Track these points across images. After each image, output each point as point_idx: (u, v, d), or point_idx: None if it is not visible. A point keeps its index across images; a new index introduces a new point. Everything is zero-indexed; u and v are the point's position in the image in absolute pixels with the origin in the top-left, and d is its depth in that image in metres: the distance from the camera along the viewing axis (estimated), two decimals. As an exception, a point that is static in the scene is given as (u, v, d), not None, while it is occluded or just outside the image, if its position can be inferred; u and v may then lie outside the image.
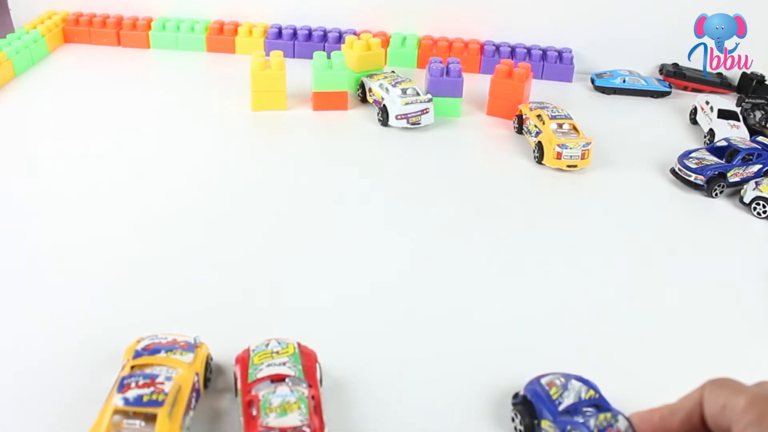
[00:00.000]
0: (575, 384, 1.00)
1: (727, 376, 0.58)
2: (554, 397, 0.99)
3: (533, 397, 1.01)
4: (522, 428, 0.99)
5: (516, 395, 1.03)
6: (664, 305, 1.29)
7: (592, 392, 0.99)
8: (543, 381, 1.01)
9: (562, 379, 1.01)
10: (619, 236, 1.49)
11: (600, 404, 0.97)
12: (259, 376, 0.95)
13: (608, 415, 0.89)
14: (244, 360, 1.00)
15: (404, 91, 1.88)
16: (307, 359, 1.00)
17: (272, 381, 0.94)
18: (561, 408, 0.96)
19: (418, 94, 1.89)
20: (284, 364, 0.97)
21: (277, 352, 1.00)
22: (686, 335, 1.22)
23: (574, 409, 0.96)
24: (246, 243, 1.38)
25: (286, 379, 0.94)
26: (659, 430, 0.59)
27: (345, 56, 1.96)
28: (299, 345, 1.02)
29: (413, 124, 1.87)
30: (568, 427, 0.93)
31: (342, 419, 0.98)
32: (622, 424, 0.87)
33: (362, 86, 2.01)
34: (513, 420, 1.02)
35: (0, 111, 1.88)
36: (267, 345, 1.02)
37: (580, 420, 0.92)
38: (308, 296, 1.24)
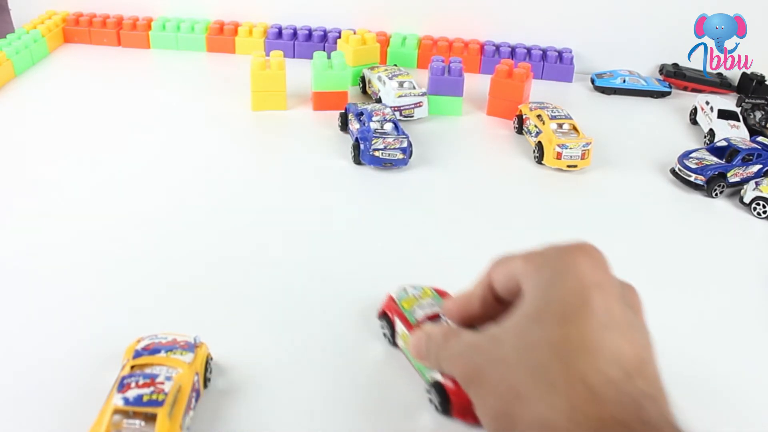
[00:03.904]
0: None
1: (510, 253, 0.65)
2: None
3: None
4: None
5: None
6: (662, 305, 1.29)
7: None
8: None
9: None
10: (618, 236, 1.49)
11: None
12: (420, 317, 1.03)
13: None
14: (395, 309, 1.07)
15: (401, 84, 1.89)
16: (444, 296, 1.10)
17: (430, 320, 1.03)
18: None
19: (414, 87, 1.90)
20: (432, 305, 1.06)
21: (420, 296, 1.09)
22: (685, 335, 1.22)
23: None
24: (245, 243, 1.38)
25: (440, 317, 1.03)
26: (464, 316, 0.70)
27: (340, 50, 1.98)
28: (435, 289, 1.12)
29: (406, 116, 1.88)
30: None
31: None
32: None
33: (363, 78, 2.05)
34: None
35: (0, 111, 1.88)
36: (406, 291, 1.10)
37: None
38: (308, 296, 1.24)
